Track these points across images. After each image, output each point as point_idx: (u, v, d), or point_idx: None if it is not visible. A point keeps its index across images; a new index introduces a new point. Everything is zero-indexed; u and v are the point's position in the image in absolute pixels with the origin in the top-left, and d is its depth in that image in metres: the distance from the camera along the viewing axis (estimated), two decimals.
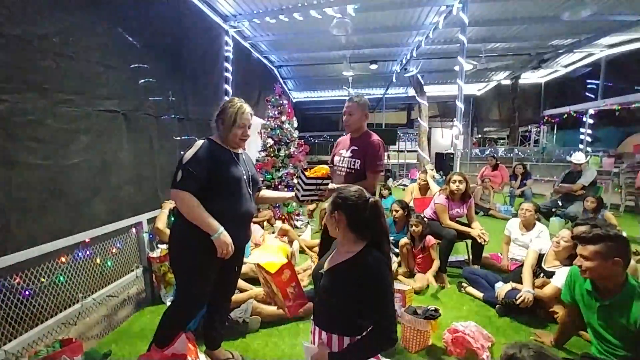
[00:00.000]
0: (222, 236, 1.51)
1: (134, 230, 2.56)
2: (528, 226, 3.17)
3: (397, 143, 12.47)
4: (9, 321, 1.72)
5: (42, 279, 1.87)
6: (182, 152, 1.59)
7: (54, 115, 2.26)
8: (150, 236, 2.69)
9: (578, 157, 4.95)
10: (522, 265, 2.62)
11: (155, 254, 2.62)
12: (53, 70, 2.26)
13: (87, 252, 2.16)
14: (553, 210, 4.91)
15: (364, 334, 1.21)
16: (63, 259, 1.99)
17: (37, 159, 2.15)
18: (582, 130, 8.98)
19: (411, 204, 4.23)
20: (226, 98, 5.35)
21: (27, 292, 1.80)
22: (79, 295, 2.09)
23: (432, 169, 5.76)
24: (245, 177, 1.68)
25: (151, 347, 1.58)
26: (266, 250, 1.56)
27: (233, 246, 1.55)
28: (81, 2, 2.51)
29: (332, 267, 1.26)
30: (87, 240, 2.13)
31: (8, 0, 1.97)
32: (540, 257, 2.55)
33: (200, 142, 1.59)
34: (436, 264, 3.01)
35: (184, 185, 1.49)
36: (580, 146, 8.74)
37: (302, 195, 1.85)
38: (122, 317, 2.42)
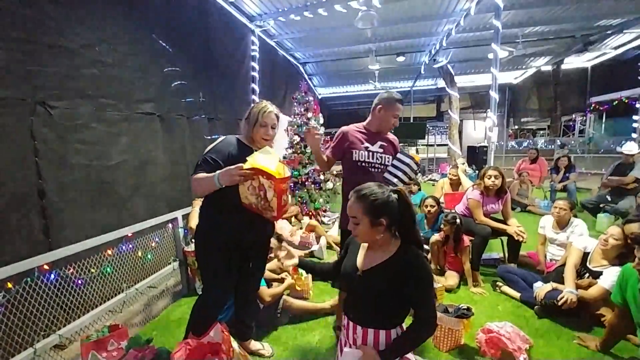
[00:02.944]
0: (221, 175, 1.45)
1: (170, 225, 2.71)
2: (562, 224, 2.95)
3: (426, 137, 12.08)
4: (64, 307, 1.91)
5: (92, 270, 2.05)
6: None
7: (98, 119, 2.45)
8: (185, 231, 2.84)
9: (630, 148, 4.51)
10: (564, 265, 2.45)
11: (190, 248, 2.77)
12: (97, 77, 2.44)
13: (130, 246, 2.33)
14: (601, 205, 4.53)
15: (408, 326, 1.24)
16: (109, 252, 2.17)
17: (85, 159, 2.34)
18: (635, 118, 8.15)
19: (441, 200, 4.09)
20: (254, 97, 5.54)
21: (79, 282, 1.98)
22: (124, 285, 2.26)
23: (464, 163, 5.53)
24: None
25: (188, 335, 1.68)
26: (268, 155, 1.54)
27: (238, 167, 1.45)
28: (119, 12, 2.68)
29: (371, 268, 1.25)
30: (130, 234, 2.29)
31: (55, 13, 2.15)
32: (586, 255, 2.38)
33: (223, 137, 1.67)
34: (466, 267, 2.86)
35: (197, 171, 1.56)
36: (634, 135, 7.94)
37: (400, 179, 1.91)
38: (161, 307, 2.59)
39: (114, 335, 1.88)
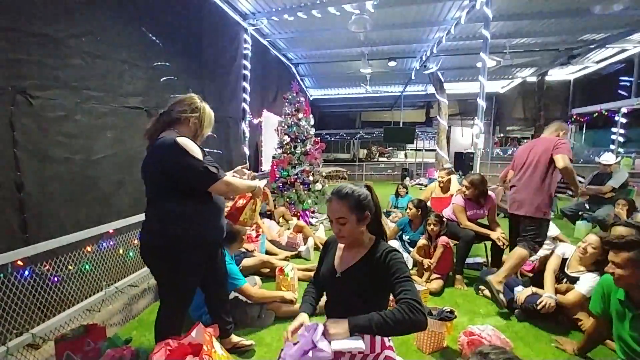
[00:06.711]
0: (258, 187, 1.74)
1: None
2: None
3: (415, 142, 12.25)
4: (38, 305, 1.83)
5: (70, 267, 1.98)
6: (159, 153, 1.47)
7: (82, 112, 2.37)
8: None
9: (607, 158, 4.69)
10: (542, 270, 2.52)
11: None
12: (82, 68, 2.37)
13: (111, 243, 2.26)
14: (579, 213, 4.69)
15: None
16: (89, 249, 2.10)
17: (67, 152, 2.26)
18: (613, 130, 8.48)
19: (428, 204, 4.14)
20: (245, 96, 5.48)
21: (55, 279, 1.91)
22: (103, 283, 2.20)
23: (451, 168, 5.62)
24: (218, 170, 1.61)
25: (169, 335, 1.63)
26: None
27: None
28: (108, 3, 2.61)
29: (349, 268, 1.26)
30: (111, 231, 2.22)
31: (41, 1, 2.07)
32: (564, 261, 2.45)
33: (185, 141, 1.47)
34: (435, 258, 2.90)
35: (215, 176, 1.48)
36: (612, 147, 8.28)
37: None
38: (142, 306, 2.52)
39: (90, 334, 1.82)
